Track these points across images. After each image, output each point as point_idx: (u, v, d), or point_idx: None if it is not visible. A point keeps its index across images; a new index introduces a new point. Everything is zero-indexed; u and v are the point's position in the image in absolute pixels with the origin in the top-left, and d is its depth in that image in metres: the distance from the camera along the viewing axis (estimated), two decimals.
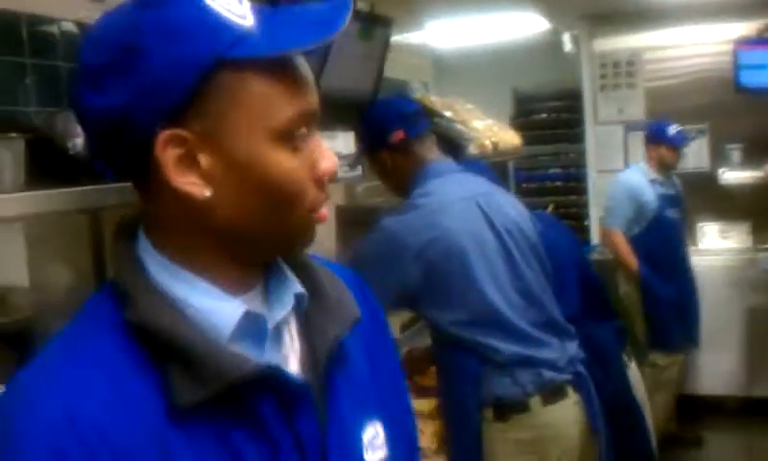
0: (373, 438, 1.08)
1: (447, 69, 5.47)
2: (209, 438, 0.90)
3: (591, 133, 6.04)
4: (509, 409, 2.27)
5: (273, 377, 0.95)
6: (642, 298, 4.80)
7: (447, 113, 4.24)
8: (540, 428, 2.27)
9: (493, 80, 6.34)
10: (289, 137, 0.94)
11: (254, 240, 0.97)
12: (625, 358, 3.07)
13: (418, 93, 4.28)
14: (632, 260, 4.81)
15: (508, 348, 2.26)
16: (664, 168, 4.93)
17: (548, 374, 2.28)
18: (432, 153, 2.48)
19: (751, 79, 5.41)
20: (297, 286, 1.04)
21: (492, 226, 2.32)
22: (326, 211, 1.01)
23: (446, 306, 2.27)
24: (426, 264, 2.23)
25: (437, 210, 2.29)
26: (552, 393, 2.29)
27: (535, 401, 2.26)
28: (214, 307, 0.95)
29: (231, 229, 0.95)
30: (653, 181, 4.88)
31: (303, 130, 0.96)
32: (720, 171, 5.57)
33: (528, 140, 6.65)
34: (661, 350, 4.83)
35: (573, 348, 2.41)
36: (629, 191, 4.89)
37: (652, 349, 4.80)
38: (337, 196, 3.29)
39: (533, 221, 2.49)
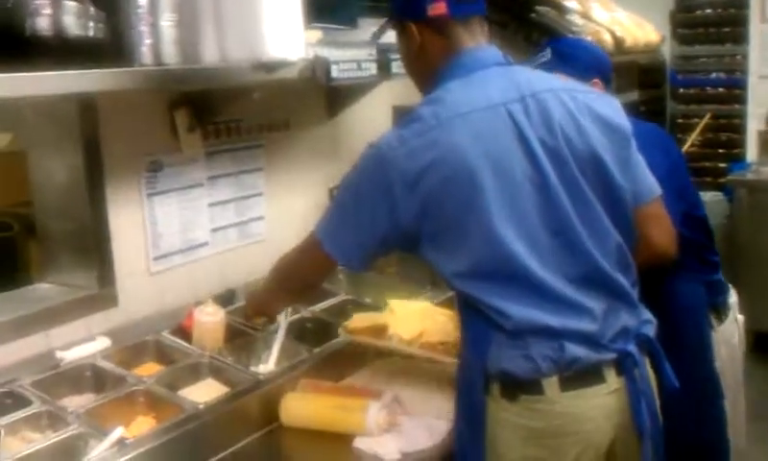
0: None
1: None
2: None
3: (756, 32, 5.27)
4: (518, 387, 1.79)
5: None
6: None
7: (568, 3, 3.78)
8: (555, 418, 1.78)
9: None
10: None
11: None
12: (713, 321, 2.57)
13: None
14: None
15: (519, 311, 1.76)
16: None
17: (575, 350, 1.76)
18: (474, 41, 1.91)
19: None
20: None
21: (524, 143, 1.78)
22: None
23: (448, 251, 1.81)
24: (424, 195, 1.76)
25: (444, 122, 1.77)
26: (578, 375, 1.77)
27: (550, 383, 1.77)
28: None
29: None
30: None
31: None
32: None
33: (688, 40, 6.03)
34: None
35: (629, 317, 1.85)
36: None
37: None
38: (393, 94, 2.96)
39: (619, 134, 1.90)
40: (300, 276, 2.09)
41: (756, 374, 4.45)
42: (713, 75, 5.98)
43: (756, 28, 5.29)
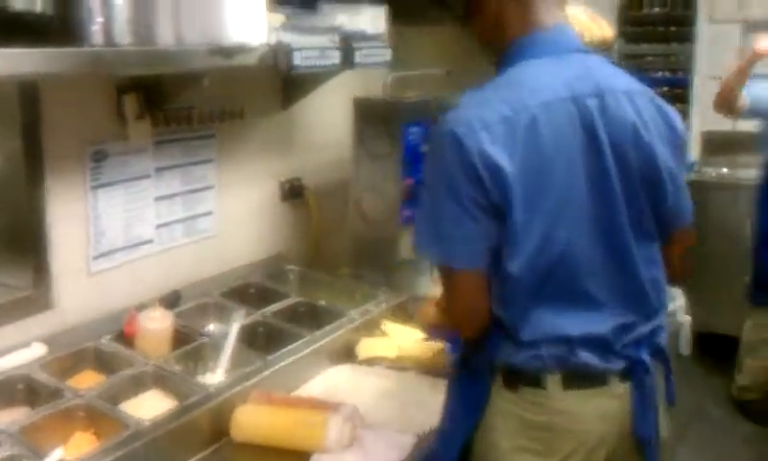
0: None
1: None
2: None
3: (704, 32, 5.31)
4: (520, 379, 1.76)
5: None
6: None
7: None
8: (555, 414, 1.75)
9: None
10: None
11: None
12: None
13: None
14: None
15: (541, 323, 1.71)
16: None
17: (586, 356, 1.73)
18: (552, 17, 1.77)
19: None
20: None
21: (596, 143, 1.69)
22: None
23: (509, 245, 1.69)
24: (500, 184, 1.66)
25: (526, 110, 1.66)
26: (582, 377, 1.75)
27: (553, 380, 1.74)
28: None
29: None
30: None
31: None
32: None
33: (636, 38, 6.03)
34: None
35: (644, 327, 1.80)
36: None
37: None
38: (354, 85, 2.81)
39: (683, 153, 1.86)
40: None
41: (696, 372, 4.53)
42: (659, 74, 5.99)
43: (703, 28, 5.31)
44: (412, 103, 2.82)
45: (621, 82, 1.78)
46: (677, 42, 5.82)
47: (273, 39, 2.12)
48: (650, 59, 5.99)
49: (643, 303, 1.79)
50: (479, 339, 1.78)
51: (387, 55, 2.56)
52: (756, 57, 4.14)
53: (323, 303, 2.56)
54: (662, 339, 1.85)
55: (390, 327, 2.52)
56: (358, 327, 2.43)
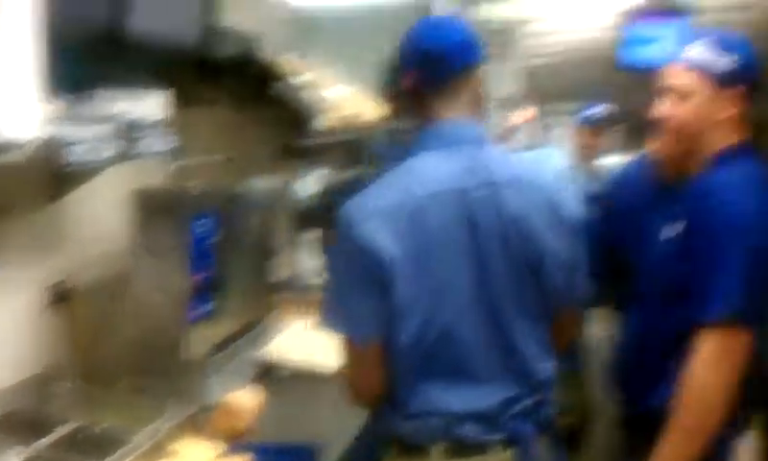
0: None
1: (316, 29, 4.82)
2: None
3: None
4: (409, 452, 1.91)
5: None
6: None
7: (305, 77, 3.64)
8: None
9: (365, 46, 5.74)
10: None
11: None
12: None
13: (269, 52, 3.60)
14: None
15: (425, 397, 1.87)
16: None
17: (468, 429, 1.88)
18: (452, 109, 1.90)
19: (635, 55, 5.09)
20: None
21: (477, 232, 1.84)
22: None
23: (395, 317, 1.85)
24: (389, 264, 1.85)
25: (415, 199, 1.82)
26: (464, 447, 1.88)
27: (437, 451, 1.88)
28: None
29: None
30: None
31: None
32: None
33: (400, 113, 6.19)
34: None
35: (530, 399, 1.92)
36: None
37: None
38: (133, 176, 2.54)
39: (574, 236, 1.96)
40: None
41: None
42: None
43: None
44: (198, 193, 2.60)
45: (512, 173, 1.91)
46: None
47: (46, 133, 1.83)
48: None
49: (528, 377, 1.91)
50: (374, 410, 1.98)
51: (170, 142, 2.34)
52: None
53: (104, 425, 2.26)
54: (548, 411, 1.96)
55: (181, 446, 2.27)
56: (147, 451, 2.17)
